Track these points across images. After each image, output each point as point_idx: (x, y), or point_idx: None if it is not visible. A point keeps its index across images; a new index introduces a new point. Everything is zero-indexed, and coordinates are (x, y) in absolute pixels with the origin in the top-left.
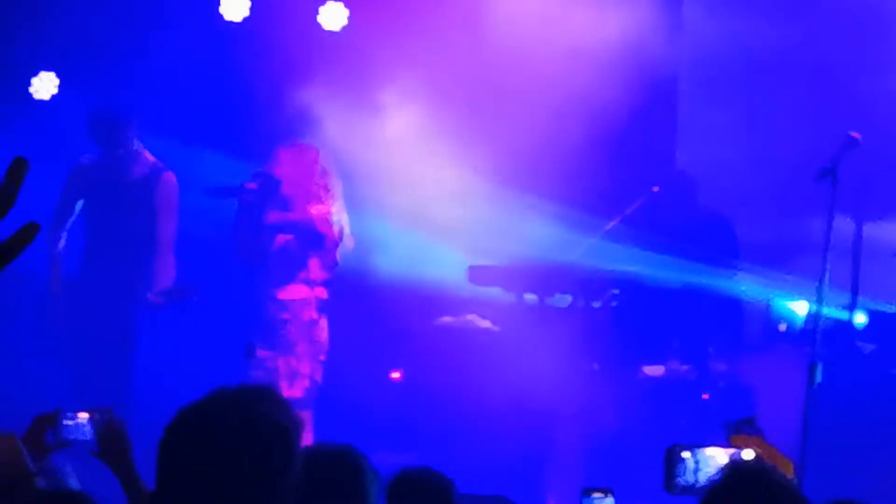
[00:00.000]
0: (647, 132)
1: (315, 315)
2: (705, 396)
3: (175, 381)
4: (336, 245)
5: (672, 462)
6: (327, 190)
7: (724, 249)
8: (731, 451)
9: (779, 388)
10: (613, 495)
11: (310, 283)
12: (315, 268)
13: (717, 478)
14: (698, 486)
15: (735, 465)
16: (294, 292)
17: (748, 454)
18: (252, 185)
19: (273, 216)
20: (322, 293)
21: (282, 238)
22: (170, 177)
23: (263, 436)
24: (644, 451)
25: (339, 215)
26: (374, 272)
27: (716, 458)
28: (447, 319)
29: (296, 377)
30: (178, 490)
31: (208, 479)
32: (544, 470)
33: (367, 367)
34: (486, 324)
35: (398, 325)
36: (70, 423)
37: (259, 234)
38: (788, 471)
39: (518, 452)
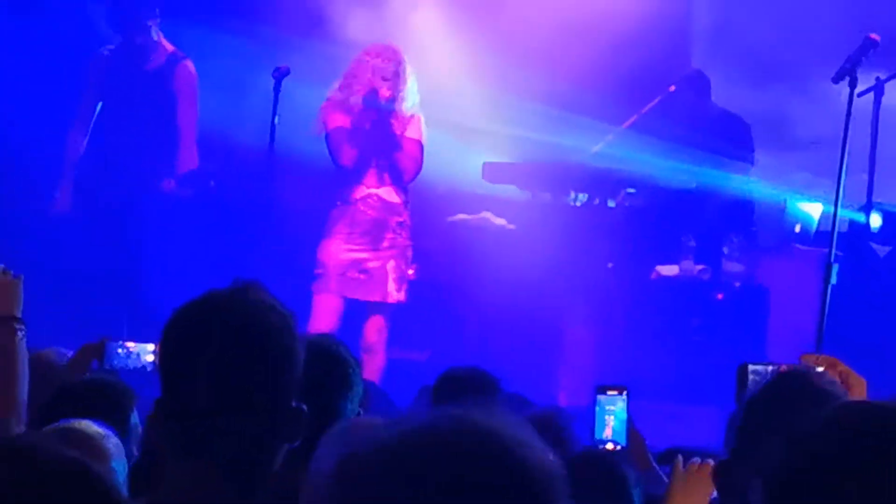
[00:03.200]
0: (662, 31)
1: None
2: (720, 297)
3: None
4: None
5: (743, 380)
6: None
7: (739, 149)
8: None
9: (794, 290)
10: (627, 393)
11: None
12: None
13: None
14: None
15: (782, 373)
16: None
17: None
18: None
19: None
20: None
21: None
22: (188, 65)
23: (265, 323)
24: (657, 350)
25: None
26: None
27: None
28: (462, 217)
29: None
30: (186, 389)
31: (215, 374)
32: (557, 368)
33: None
34: (500, 221)
35: (413, 222)
36: (121, 351)
37: None
38: (862, 390)
39: (531, 351)
